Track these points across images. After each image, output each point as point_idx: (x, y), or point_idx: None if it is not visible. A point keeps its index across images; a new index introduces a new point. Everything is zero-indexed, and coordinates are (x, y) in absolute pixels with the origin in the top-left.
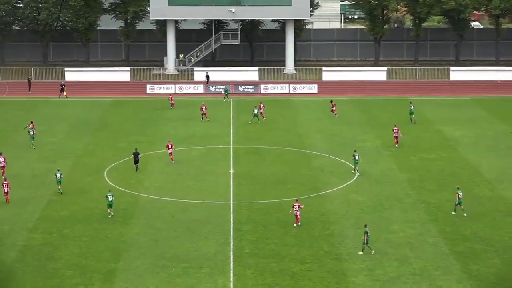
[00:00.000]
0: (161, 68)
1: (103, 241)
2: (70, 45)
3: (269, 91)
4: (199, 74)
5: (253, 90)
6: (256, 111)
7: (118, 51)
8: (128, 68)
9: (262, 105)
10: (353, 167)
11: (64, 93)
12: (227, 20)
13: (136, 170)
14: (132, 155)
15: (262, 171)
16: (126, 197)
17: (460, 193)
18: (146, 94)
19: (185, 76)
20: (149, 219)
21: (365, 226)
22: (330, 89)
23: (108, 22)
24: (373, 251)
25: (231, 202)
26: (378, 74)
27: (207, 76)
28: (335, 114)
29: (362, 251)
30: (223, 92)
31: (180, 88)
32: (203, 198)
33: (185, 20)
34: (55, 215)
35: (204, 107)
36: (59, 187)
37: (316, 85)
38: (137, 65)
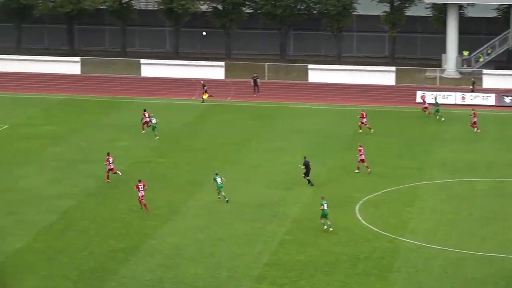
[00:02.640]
0: (437, 69)
1: None
2: (317, 35)
3: None
4: (489, 79)
5: None
6: None
7: (380, 44)
8: (393, 68)
9: (364, 114)
10: None
11: (205, 96)
12: None
13: (309, 183)
14: (304, 166)
15: None
16: (383, 242)
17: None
18: (416, 104)
19: (470, 81)
20: (414, 273)
21: None
22: None
23: (367, 5)
24: None
25: None
26: None
27: None
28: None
29: None
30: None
31: (463, 98)
32: (489, 249)
33: (473, 4)
34: (289, 260)
35: (364, 114)
36: (223, 193)
37: None
38: (405, 64)
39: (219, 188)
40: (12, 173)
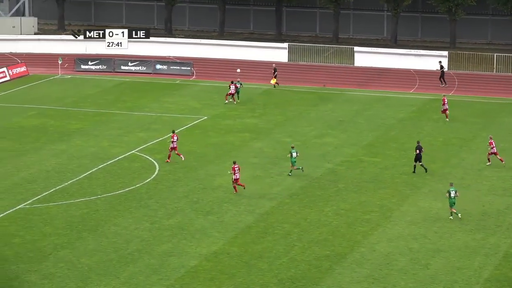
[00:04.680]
0: None
1: None
2: None
3: None
4: None
5: None
6: None
7: None
8: None
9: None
10: None
11: (273, 81)
12: None
13: (426, 171)
14: (416, 151)
15: None
16: None
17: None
18: None
19: None
20: None
21: None
22: None
23: None
24: None
25: None
26: None
27: None
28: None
29: None
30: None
31: None
32: None
33: None
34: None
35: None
36: (295, 167)
37: None
38: None
39: (292, 163)
40: (209, 169)
